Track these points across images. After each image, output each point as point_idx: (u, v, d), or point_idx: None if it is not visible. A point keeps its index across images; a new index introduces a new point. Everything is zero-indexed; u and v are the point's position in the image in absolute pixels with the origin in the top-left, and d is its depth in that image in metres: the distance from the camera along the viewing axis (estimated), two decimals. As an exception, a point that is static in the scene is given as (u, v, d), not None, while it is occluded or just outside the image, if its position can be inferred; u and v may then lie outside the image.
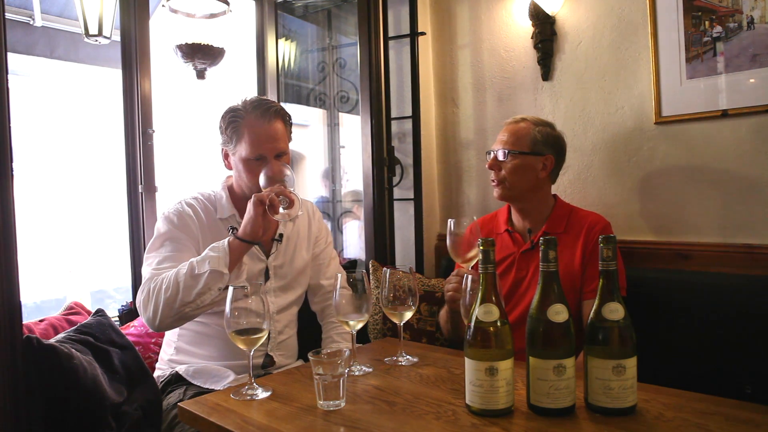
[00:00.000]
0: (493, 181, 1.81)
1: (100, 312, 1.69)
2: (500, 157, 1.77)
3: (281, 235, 1.76)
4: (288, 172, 1.56)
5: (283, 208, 1.50)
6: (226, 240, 1.53)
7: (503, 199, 1.82)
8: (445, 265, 2.46)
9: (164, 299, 1.47)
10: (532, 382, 1.08)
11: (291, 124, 1.74)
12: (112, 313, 2.02)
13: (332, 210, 3.15)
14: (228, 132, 1.65)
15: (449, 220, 1.49)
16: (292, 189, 1.52)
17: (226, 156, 1.72)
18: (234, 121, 1.64)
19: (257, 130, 1.62)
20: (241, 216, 1.70)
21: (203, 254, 1.52)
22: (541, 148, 1.76)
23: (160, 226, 1.66)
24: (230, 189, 1.76)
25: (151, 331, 1.84)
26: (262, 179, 1.56)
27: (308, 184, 3.36)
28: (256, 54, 2.81)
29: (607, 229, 1.75)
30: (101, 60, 2.96)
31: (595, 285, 1.63)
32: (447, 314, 1.77)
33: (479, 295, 1.11)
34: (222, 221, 1.70)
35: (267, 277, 1.72)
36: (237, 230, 1.54)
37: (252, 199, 1.51)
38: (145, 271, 1.60)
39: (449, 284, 1.56)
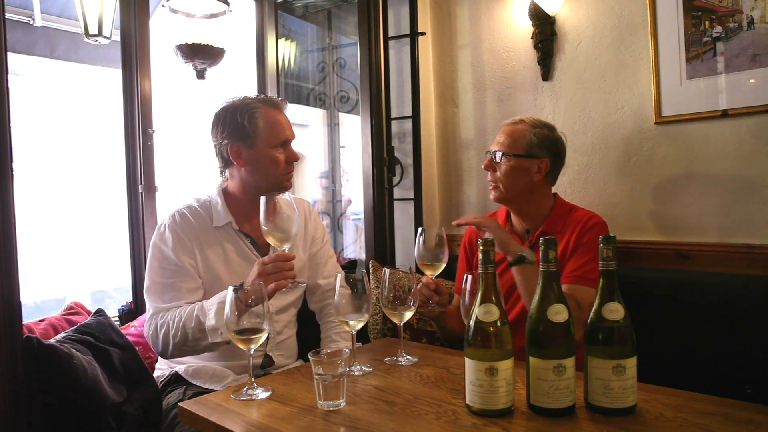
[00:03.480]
0: (490, 183, 1.81)
1: (100, 312, 1.69)
2: (495, 159, 1.77)
3: None
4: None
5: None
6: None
7: (498, 201, 1.82)
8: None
9: (173, 343, 1.53)
10: (532, 382, 1.08)
11: None
12: (112, 313, 2.03)
13: (332, 210, 3.15)
14: (246, 124, 1.63)
15: (419, 228, 1.53)
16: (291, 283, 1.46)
17: (238, 154, 1.66)
18: (252, 114, 1.64)
19: (278, 118, 1.68)
20: (238, 222, 1.71)
21: (211, 307, 1.49)
22: (536, 151, 1.75)
23: (157, 242, 1.65)
24: (225, 193, 1.74)
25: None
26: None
27: (308, 184, 3.36)
28: (256, 54, 2.81)
29: (599, 225, 1.73)
30: (101, 60, 2.96)
31: (570, 271, 1.65)
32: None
33: (479, 295, 1.11)
34: (217, 229, 1.69)
35: None
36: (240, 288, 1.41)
37: (256, 268, 1.44)
38: (149, 302, 1.62)
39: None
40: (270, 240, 1.41)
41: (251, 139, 1.64)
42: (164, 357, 1.61)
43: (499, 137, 1.80)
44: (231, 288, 1.23)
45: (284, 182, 1.70)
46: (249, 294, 1.24)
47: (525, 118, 1.81)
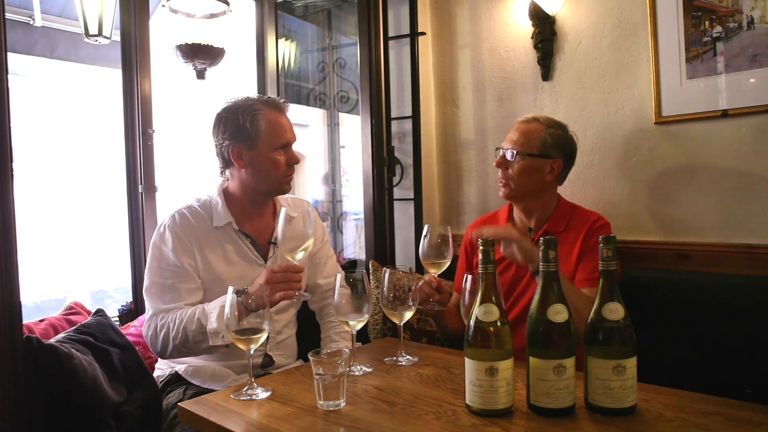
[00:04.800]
0: (501, 180, 1.79)
1: (100, 312, 1.69)
2: (508, 157, 1.76)
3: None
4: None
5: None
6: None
7: (508, 198, 1.81)
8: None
9: (173, 344, 1.53)
10: (532, 382, 1.08)
11: None
12: (112, 313, 2.03)
13: (332, 210, 3.15)
14: (248, 126, 1.62)
15: (425, 226, 1.53)
16: (298, 294, 1.47)
17: (239, 155, 1.65)
18: (254, 116, 1.64)
19: (280, 121, 1.68)
20: (238, 222, 1.70)
21: (213, 311, 1.49)
22: (550, 151, 1.74)
23: (156, 243, 1.65)
24: (226, 193, 1.73)
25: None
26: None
27: (308, 185, 3.36)
28: (256, 54, 2.81)
29: (606, 228, 1.74)
30: (101, 60, 2.96)
31: (585, 275, 1.64)
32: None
33: (479, 295, 1.11)
34: (217, 230, 1.68)
35: None
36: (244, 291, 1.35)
37: (264, 275, 1.44)
38: (148, 302, 1.62)
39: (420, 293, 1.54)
40: (283, 252, 1.43)
41: (252, 140, 1.63)
42: (163, 357, 1.62)
43: (512, 135, 1.79)
44: (231, 288, 1.23)
45: (284, 185, 1.70)
46: (249, 296, 1.24)
47: (538, 116, 1.80)
